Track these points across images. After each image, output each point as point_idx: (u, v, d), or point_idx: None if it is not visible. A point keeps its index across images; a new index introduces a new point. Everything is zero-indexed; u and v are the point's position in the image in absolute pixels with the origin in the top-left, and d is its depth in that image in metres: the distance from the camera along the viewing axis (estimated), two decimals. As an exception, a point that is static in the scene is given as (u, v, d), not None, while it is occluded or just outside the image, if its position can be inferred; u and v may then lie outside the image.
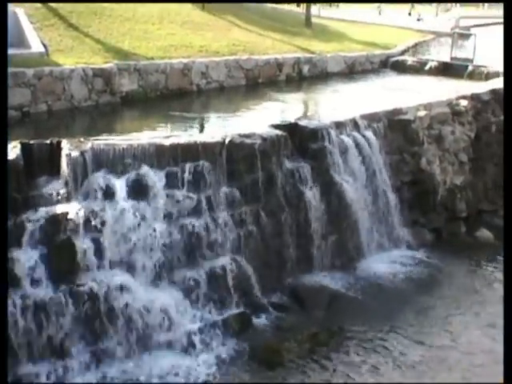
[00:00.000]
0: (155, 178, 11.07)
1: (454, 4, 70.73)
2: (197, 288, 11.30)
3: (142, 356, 10.50)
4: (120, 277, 10.52)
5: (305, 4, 34.32)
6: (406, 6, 57.31)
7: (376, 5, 57.21)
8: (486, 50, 28.11)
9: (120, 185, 10.71)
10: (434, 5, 60.54)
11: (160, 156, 11.28)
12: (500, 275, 14.35)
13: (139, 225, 10.74)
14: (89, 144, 10.75)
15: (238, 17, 27.64)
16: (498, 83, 20.52)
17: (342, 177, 13.93)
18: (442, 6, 67.56)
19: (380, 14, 51.54)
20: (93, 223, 10.26)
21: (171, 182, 11.30)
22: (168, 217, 11.16)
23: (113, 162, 10.81)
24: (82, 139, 10.99)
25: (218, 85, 19.52)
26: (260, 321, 11.82)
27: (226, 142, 12.01)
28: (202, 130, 14.98)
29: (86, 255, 10.16)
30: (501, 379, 8.10)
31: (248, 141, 12.32)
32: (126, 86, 16.81)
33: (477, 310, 12.92)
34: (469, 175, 17.57)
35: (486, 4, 78.12)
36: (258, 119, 15.45)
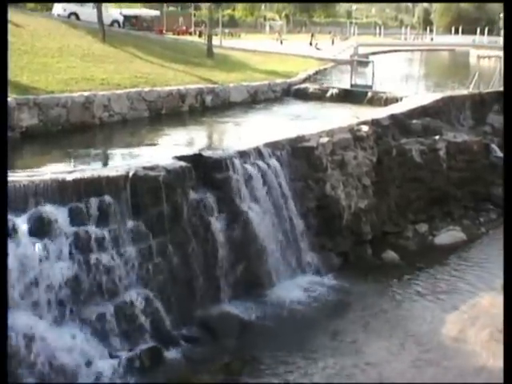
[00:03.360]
0: (58, 215, 10.85)
1: (352, 33, 73.21)
2: (105, 324, 11.08)
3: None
4: (25, 317, 10.21)
5: (206, 35, 34.69)
6: (307, 37, 58.94)
7: (276, 35, 58.61)
8: (384, 76, 29.06)
9: (22, 223, 10.45)
10: (332, 34, 62.77)
11: (63, 192, 11.07)
12: (407, 294, 14.70)
13: (43, 263, 10.48)
14: (-13, 182, 10.47)
15: (139, 48, 27.70)
16: (397, 108, 21.18)
17: (247, 205, 14.00)
18: (341, 34, 69.92)
19: (281, 43, 52.59)
20: (-6, 263, 9.97)
21: (75, 217, 11.08)
22: (73, 253, 10.91)
23: (14, 199, 10.51)
24: (-20, 177, 10.69)
25: (120, 117, 19.40)
26: (171, 354, 11.64)
27: (130, 175, 11.89)
28: (105, 163, 14.80)
29: (-13, 296, 9.85)
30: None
31: (152, 173, 12.24)
32: (26, 120, 16.49)
33: (387, 329, 13.11)
34: (372, 198, 17.89)
35: (383, 32, 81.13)
36: (161, 151, 15.39)
